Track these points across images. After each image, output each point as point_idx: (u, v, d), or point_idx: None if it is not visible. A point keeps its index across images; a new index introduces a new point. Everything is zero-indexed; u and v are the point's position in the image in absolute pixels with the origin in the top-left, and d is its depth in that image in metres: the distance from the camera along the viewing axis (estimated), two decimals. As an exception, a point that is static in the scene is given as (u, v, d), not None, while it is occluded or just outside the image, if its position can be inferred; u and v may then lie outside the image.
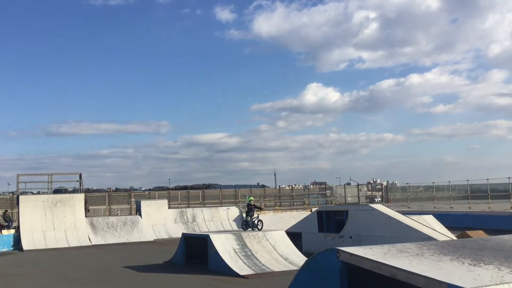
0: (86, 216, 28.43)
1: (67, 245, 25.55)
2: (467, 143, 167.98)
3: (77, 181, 29.63)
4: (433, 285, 4.62)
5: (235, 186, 54.65)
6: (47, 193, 29.69)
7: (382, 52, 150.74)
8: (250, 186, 63.99)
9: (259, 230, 18.22)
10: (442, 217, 24.38)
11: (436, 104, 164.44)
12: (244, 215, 20.84)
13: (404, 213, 22.52)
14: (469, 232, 21.06)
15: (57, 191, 32.91)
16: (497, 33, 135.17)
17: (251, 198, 20.34)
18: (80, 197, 28.42)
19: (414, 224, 18.06)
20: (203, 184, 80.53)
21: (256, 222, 18.60)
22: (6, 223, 26.38)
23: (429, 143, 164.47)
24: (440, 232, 18.53)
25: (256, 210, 19.17)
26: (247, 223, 18.81)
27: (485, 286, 4.50)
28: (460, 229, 23.66)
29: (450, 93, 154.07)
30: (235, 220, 32.04)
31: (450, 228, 22.22)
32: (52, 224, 26.52)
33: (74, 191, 31.50)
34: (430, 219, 21.44)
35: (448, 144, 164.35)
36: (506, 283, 4.62)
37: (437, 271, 4.97)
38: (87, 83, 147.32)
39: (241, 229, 19.43)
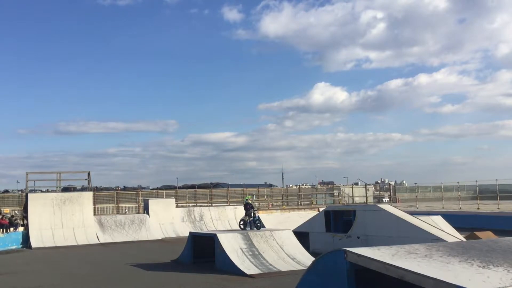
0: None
1: (75, 243, 25.68)
2: (476, 143, 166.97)
3: (86, 179, 29.79)
4: (442, 287, 4.58)
5: (243, 185, 54.67)
6: (55, 191, 29.86)
7: (389, 52, 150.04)
8: (258, 185, 64.01)
9: (258, 229, 18.26)
10: (450, 218, 24.23)
11: (444, 104, 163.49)
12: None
13: (412, 213, 22.41)
14: (477, 233, 20.93)
15: (65, 189, 33.09)
16: (506, 34, 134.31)
17: (249, 197, 20.45)
18: (89, 195, 28.55)
19: (422, 225, 17.96)
20: (211, 183, 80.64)
21: (254, 220, 18.68)
22: (14, 226, 26.45)
23: (437, 143, 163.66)
24: (449, 233, 18.40)
25: (254, 210, 19.20)
26: (245, 222, 18.89)
27: (495, 288, 4.47)
28: (468, 230, 23.53)
29: (458, 93, 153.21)
30: (242, 219, 32.07)
31: (458, 228, 22.09)
32: (61, 222, 26.66)
33: (83, 189, 31.68)
34: (438, 220, 21.31)
35: (456, 144, 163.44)
36: (515, 285, 4.57)
37: (446, 273, 4.93)
38: (96, 82, 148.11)
39: (240, 228, 19.44)
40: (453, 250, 5.96)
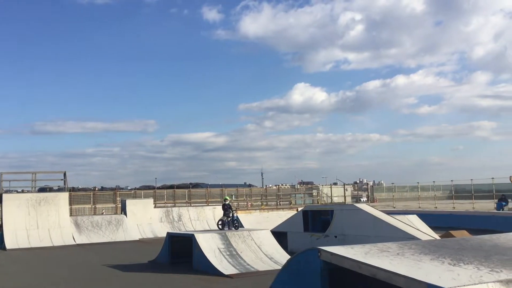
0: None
1: (51, 244, 25.26)
2: (452, 144, 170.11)
3: (62, 179, 29.32)
4: (412, 285, 4.64)
5: (222, 185, 54.55)
6: (31, 191, 29.35)
7: (367, 53, 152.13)
8: (237, 186, 63.97)
9: (236, 229, 18.28)
10: (426, 217, 24.56)
11: (421, 105, 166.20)
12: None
13: (389, 212, 22.65)
14: (453, 232, 21.20)
15: (42, 190, 32.55)
16: (481, 36, 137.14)
17: (227, 197, 20.76)
18: (65, 196, 28.14)
19: (398, 224, 18.17)
20: (190, 183, 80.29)
21: (232, 220, 18.70)
22: None
23: (414, 143, 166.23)
24: (424, 231, 18.66)
25: (232, 210, 19.25)
26: (223, 222, 18.90)
27: (464, 285, 4.53)
28: (444, 229, 23.84)
29: (435, 94, 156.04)
30: (221, 220, 31.97)
31: (434, 228, 22.38)
32: (36, 222, 26.21)
33: (59, 189, 31.18)
34: (414, 219, 21.57)
35: (433, 144, 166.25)
36: (484, 282, 4.65)
37: (417, 270, 4.99)
38: (73, 82, 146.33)
39: (218, 228, 19.41)
40: (425, 248, 6.04)
